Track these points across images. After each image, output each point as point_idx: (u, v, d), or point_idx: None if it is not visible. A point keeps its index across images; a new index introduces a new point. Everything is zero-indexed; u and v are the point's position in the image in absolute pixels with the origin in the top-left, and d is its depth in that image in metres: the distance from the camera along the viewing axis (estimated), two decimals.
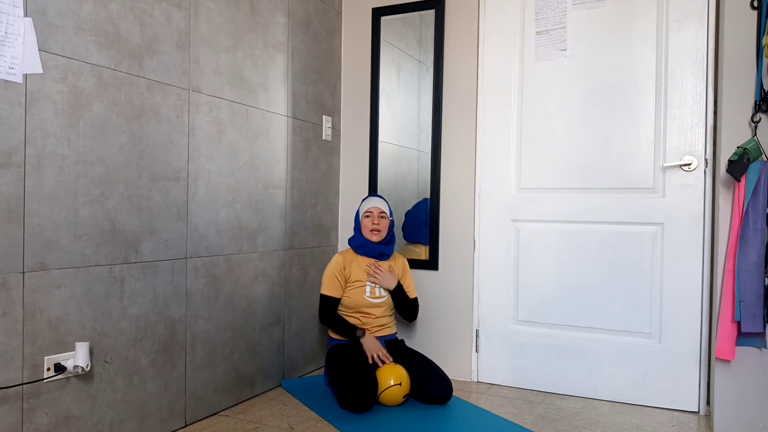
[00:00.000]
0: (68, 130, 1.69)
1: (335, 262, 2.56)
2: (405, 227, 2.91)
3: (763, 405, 2.09)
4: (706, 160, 2.36)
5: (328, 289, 2.53)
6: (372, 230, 2.55)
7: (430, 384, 2.36)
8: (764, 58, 2.07)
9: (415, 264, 2.85)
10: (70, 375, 1.71)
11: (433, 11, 2.84)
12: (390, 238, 2.61)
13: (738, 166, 2.04)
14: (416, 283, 2.87)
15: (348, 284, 2.54)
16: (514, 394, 2.60)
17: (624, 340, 2.50)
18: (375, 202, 2.60)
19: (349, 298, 2.53)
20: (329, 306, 2.53)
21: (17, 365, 1.58)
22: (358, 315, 2.54)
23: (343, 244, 3.07)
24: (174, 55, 2.04)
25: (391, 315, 2.63)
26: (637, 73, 2.47)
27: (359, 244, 2.58)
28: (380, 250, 2.58)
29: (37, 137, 1.61)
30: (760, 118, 2.09)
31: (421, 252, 2.88)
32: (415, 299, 2.68)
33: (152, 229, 1.97)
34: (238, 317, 2.38)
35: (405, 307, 2.62)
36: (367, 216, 2.57)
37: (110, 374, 1.84)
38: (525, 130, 2.68)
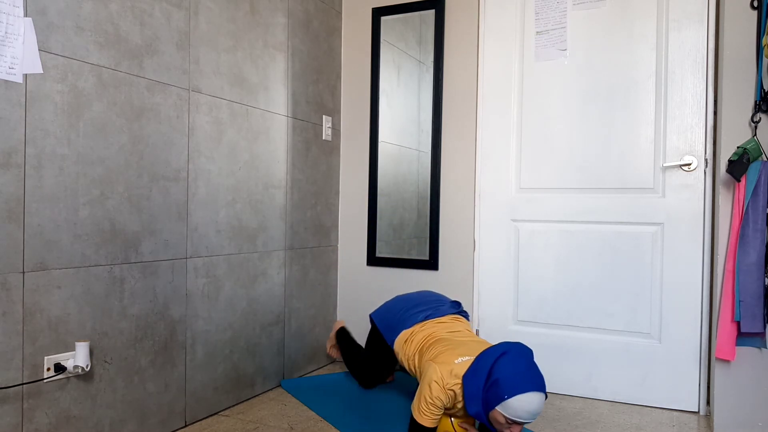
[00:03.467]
0: (68, 130, 1.69)
1: (444, 395, 1.92)
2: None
3: (763, 405, 2.09)
4: (706, 160, 2.36)
5: (431, 419, 1.93)
6: None
7: None
8: (764, 58, 2.07)
9: (415, 264, 2.85)
10: (70, 375, 1.71)
11: (433, 11, 2.84)
12: None
13: (738, 166, 2.04)
14: (416, 283, 2.88)
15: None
16: None
17: (624, 340, 2.50)
18: (531, 414, 1.77)
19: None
20: None
21: (17, 365, 1.58)
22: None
23: (343, 243, 3.07)
24: (174, 55, 2.04)
25: None
26: (637, 73, 2.47)
27: (480, 420, 1.89)
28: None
29: (37, 137, 1.61)
30: (760, 118, 2.09)
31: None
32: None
33: (152, 229, 1.97)
34: (238, 317, 2.38)
35: None
36: (510, 423, 1.80)
37: (110, 374, 1.84)
38: (525, 130, 2.68)
